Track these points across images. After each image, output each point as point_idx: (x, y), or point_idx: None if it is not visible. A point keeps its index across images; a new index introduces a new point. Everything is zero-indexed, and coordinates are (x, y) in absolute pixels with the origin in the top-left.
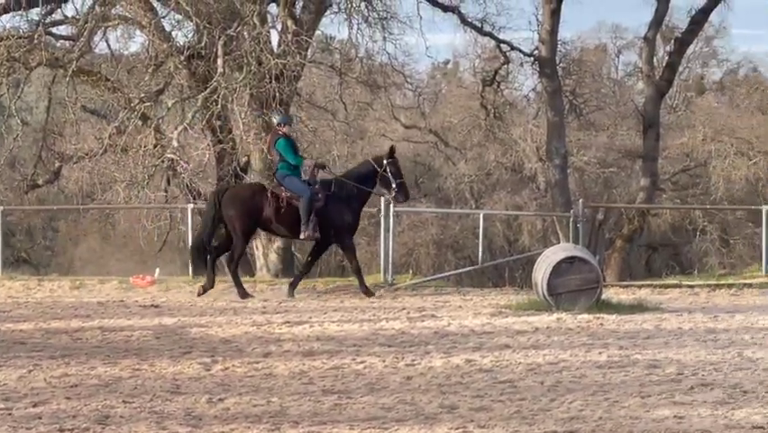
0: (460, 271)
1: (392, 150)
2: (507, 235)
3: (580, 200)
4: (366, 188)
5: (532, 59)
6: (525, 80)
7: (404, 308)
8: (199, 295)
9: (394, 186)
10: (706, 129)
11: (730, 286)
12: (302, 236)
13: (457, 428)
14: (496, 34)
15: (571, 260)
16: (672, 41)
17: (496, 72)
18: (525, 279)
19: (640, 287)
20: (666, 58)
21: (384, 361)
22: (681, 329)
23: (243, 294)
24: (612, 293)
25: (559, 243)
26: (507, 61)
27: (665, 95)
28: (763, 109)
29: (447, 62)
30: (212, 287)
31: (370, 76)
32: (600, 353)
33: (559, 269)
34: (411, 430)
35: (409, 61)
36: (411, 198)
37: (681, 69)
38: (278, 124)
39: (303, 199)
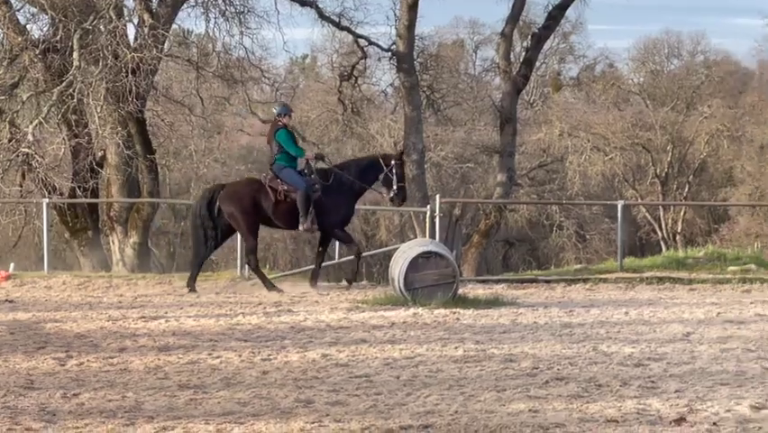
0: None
1: (402, 152)
2: (365, 231)
3: (437, 195)
4: (366, 182)
5: (389, 54)
6: (383, 75)
7: (260, 303)
8: (190, 291)
9: (395, 187)
10: (562, 124)
11: (586, 280)
12: (301, 228)
13: (313, 423)
14: (353, 29)
15: (427, 255)
16: (529, 36)
17: (353, 67)
18: (382, 274)
19: (497, 282)
20: (523, 53)
21: (240, 355)
22: (537, 324)
23: (271, 287)
24: (469, 288)
25: (416, 238)
26: (365, 56)
27: (522, 90)
28: (620, 105)
29: (305, 57)
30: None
31: (227, 70)
32: (456, 347)
33: (416, 264)
34: (267, 425)
35: (267, 56)
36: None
37: (537, 64)
38: (279, 115)
39: (300, 192)
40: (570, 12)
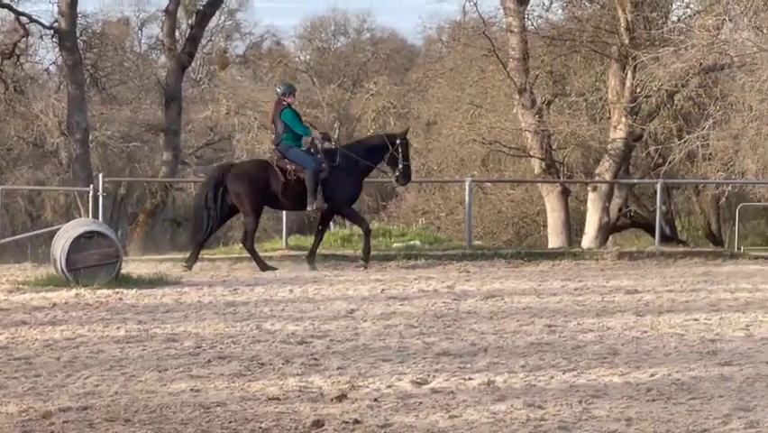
0: None
1: (406, 131)
2: (30, 211)
3: (101, 174)
4: (372, 161)
5: (52, 31)
6: (47, 54)
7: None
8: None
9: (400, 166)
10: (230, 103)
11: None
12: (310, 208)
13: None
14: (15, 6)
15: (89, 234)
16: (194, 13)
17: (15, 45)
18: (46, 254)
19: (161, 261)
20: (188, 31)
21: None
22: (201, 303)
23: (264, 267)
24: (133, 268)
25: (80, 217)
26: (27, 34)
27: (187, 68)
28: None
29: None
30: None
31: None
32: (119, 327)
33: (78, 244)
34: None
35: None
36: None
37: (203, 42)
38: (283, 95)
39: (308, 171)
40: None
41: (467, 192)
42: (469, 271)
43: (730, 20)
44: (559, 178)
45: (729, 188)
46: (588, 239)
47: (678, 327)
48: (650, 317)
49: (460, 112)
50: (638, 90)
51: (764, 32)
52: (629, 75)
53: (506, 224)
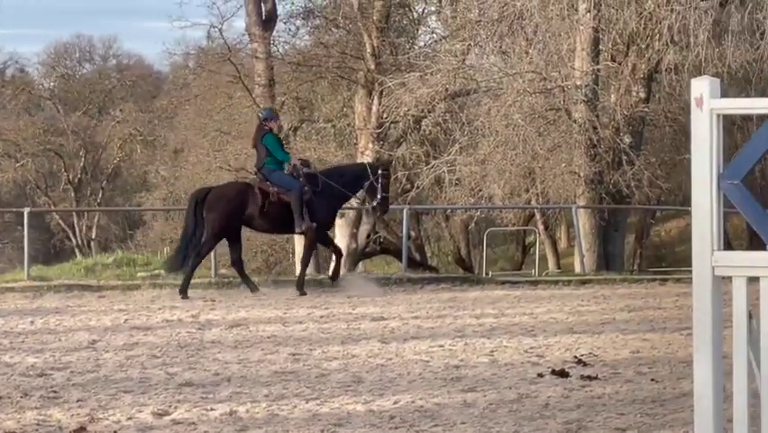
0: None
1: (389, 162)
2: None
3: None
4: (351, 190)
5: None
6: None
7: None
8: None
9: (378, 197)
10: None
11: None
12: (299, 230)
13: None
14: None
15: None
16: None
17: None
18: None
19: None
20: None
21: None
22: None
23: (183, 291)
24: None
25: None
26: None
27: None
28: (31, 110)
29: None
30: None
31: None
32: None
33: None
34: None
35: None
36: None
37: None
38: (265, 120)
39: (294, 193)
40: None
41: None
42: (214, 300)
43: (476, 45)
44: None
45: (477, 213)
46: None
47: (423, 353)
48: (395, 344)
49: (207, 139)
50: (385, 116)
51: (511, 57)
52: (376, 100)
53: (255, 252)
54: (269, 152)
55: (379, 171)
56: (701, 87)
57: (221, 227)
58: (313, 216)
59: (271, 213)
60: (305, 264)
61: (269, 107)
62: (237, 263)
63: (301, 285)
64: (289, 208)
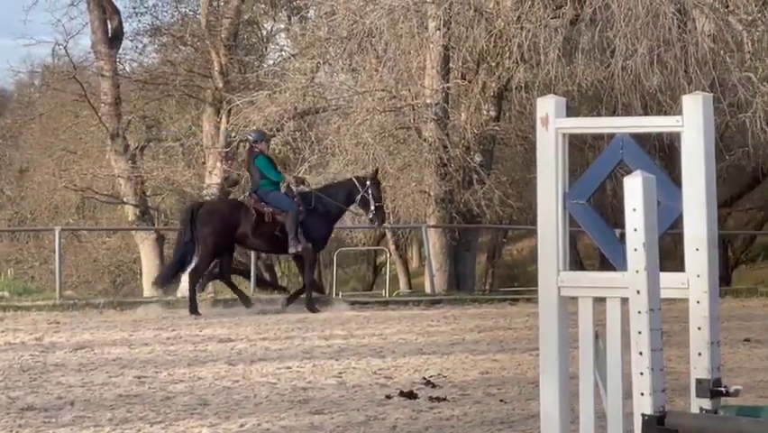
0: None
1: (376, 171)
2: None
3: None
4: (344, 204)
5: None
6: None
7: None
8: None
9: (372, 208)
10: None
11: None
12: (293, 251)
13: None
14: None
15: None
16: None
17: None
18: None
19: None
20: None
21: None
22: None
23: (193, 309)
24: None
25: None
26: None
27: None
28: None
29: None
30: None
31: None
32: None
33: None
34: None
35: None
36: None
37: None
38: (255, 142)
39: (290, 214)
40: None
41: (56, 241)
42: (59, 323)
43: (326, 63)
44: (153, 225)
45: None
46: (184, 287)
47: (270, 375)
48: (242, 366)
49: (53, 158)
50: (233, 135)
51: (361, 74)
52: (224, 119)
53: (102, 272)
54: (263, 174)
55: (368, 183)
56: (547, 106)
57: (215, 244)
58: (308, 236)
59: (265, 233)
60: (310, 285)
61: (258, 130)
62: (225, 277)
63: (311, 304)
64: (283, 228)
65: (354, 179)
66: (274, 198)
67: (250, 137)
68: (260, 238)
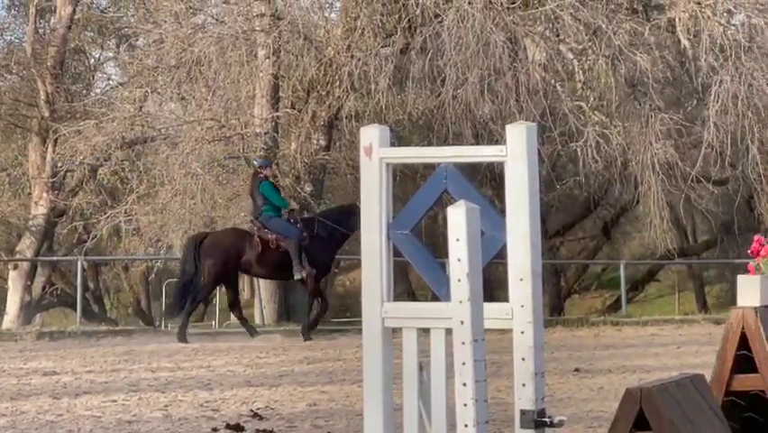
0: None
1: None
2: None
3: None
4: (348, 229)
5: None
6: None
7: None
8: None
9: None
10: None
11: None
12: (298, 276)
13: None
14: None
15: None
16: None
17: None
18: None
19: None
20: None
21: None
22: None
23: (182, 337)
24: None
25: None
26: None
27: None
28: None
29: None
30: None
31: None
32: None
33: None
34: None
35: None
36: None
37: None
38: (260, 167)
39: (293, 240)
40: None
41: None
42: None
43: (154, 92)
44: None
45: (157, 263)
46: (9, 319)
47: (95, 408)
48: (66, 400)
49: None
50: (60, 164)
51: (191, 103)
52: (50, 149)
53: None
54: (267, 200)
55: None
56: (371, 135)
57: (218, 273)
58: (312, 262)
59: (270, 260)
60: (309, 310)
61: (264, 156)
62: (235, 308)
63: (306, 331)
64: (287, 255)
65: (356, 204)
66: (276, 225)
67: (255, 163)
68: (264, 266)
